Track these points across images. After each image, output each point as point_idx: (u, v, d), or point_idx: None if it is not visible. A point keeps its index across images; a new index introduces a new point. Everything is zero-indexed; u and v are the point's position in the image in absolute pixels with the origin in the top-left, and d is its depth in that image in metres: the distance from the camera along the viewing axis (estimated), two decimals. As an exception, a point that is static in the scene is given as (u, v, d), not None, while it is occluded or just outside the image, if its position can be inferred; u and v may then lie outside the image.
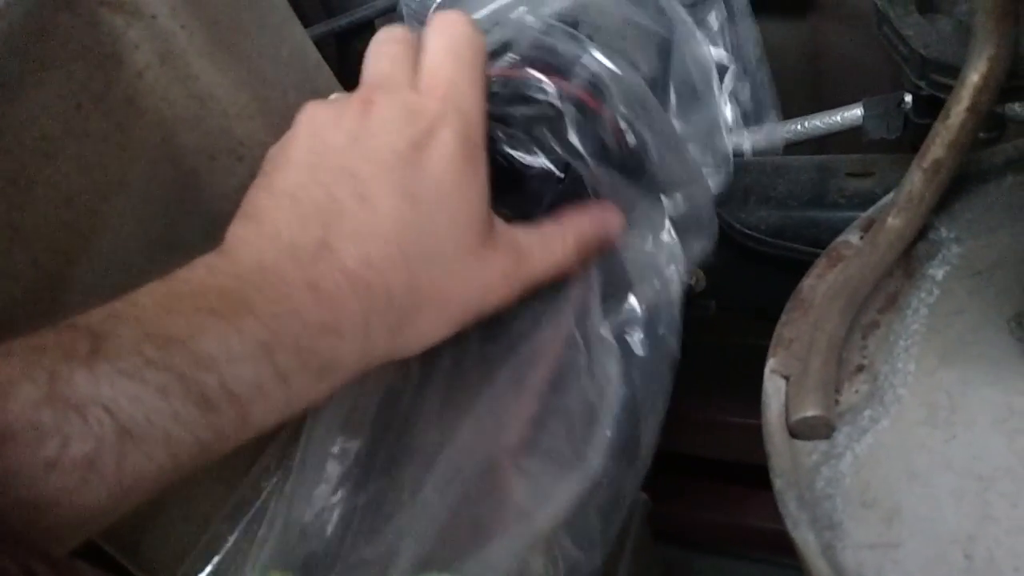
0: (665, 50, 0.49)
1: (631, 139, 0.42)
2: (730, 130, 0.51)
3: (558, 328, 0.41)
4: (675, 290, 0.42)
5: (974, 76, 0.36)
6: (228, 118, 0.45)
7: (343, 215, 0.34)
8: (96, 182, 0.41)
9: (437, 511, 0.39)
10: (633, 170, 0.43)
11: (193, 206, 0.45)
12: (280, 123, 0.41)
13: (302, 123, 0.37)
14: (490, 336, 0.42)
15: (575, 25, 0.45)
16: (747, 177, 0.63)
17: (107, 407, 0.28)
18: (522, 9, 0.45)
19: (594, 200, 0.42)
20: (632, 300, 0.42)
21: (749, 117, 0.58)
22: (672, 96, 0.50)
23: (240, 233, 0.35)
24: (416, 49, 0.39)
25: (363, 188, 0.35)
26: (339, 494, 0.42)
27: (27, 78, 0.38)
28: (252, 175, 0.38)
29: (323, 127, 0.37)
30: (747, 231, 0.59)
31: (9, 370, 0.28)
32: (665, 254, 0.42)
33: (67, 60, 0.40)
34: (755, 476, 0.88)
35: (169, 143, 0.44)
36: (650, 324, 0.41)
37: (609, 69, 0.42)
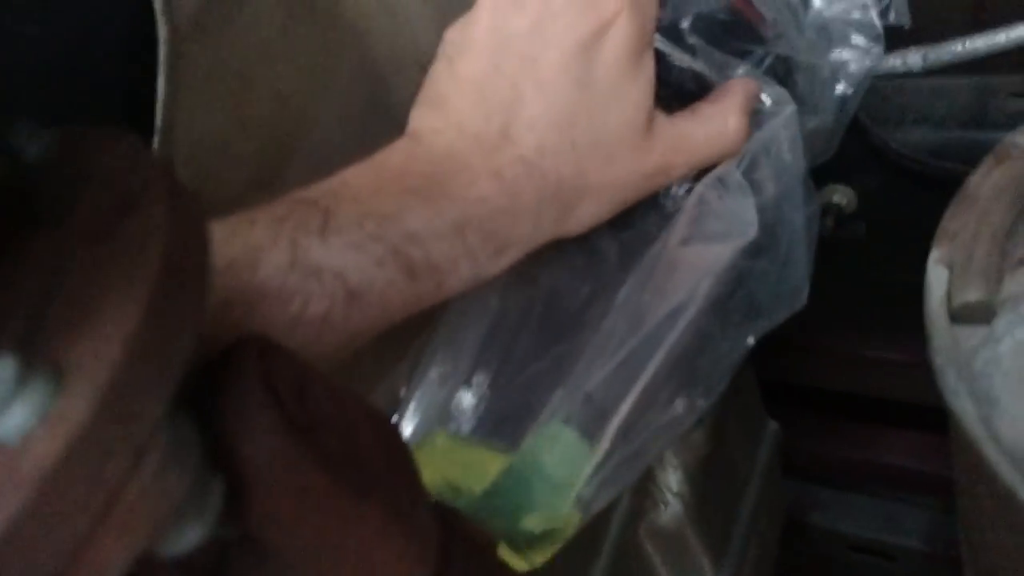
0: None
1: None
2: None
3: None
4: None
5: None
6: (414, 30, 0.49)
7: (523, 104, 0.38)
8: (305, 85, 0.46)
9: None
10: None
11: (382, 111, 0.50)
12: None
13: (484, 4, 0.39)
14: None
15: None
16: (903, 97, 0.63)
17: (338, 273, 0.33)
18: None
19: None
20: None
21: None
22: None
23: (429, 121, 0.39)
24: None
25: (543, 76, 0.38)
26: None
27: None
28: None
29: (506, 8, 0.39)
30: (903, 152, 0.60)
31: (258, 237, 0.32)
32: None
33: (281, -27, 0.45)
34: (889, 413, 0.88)
35: (364, 53, 0.49)
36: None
37: None
